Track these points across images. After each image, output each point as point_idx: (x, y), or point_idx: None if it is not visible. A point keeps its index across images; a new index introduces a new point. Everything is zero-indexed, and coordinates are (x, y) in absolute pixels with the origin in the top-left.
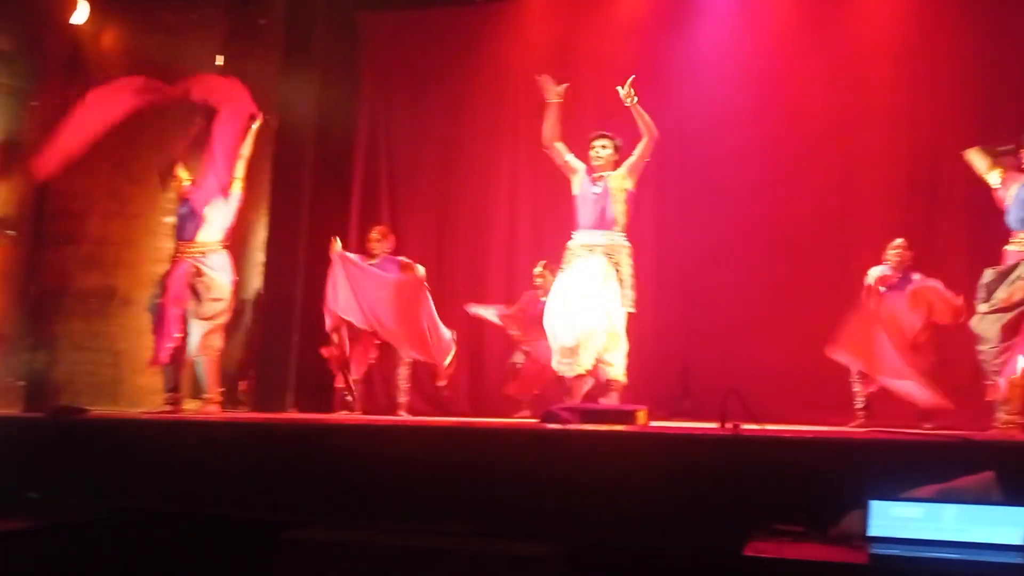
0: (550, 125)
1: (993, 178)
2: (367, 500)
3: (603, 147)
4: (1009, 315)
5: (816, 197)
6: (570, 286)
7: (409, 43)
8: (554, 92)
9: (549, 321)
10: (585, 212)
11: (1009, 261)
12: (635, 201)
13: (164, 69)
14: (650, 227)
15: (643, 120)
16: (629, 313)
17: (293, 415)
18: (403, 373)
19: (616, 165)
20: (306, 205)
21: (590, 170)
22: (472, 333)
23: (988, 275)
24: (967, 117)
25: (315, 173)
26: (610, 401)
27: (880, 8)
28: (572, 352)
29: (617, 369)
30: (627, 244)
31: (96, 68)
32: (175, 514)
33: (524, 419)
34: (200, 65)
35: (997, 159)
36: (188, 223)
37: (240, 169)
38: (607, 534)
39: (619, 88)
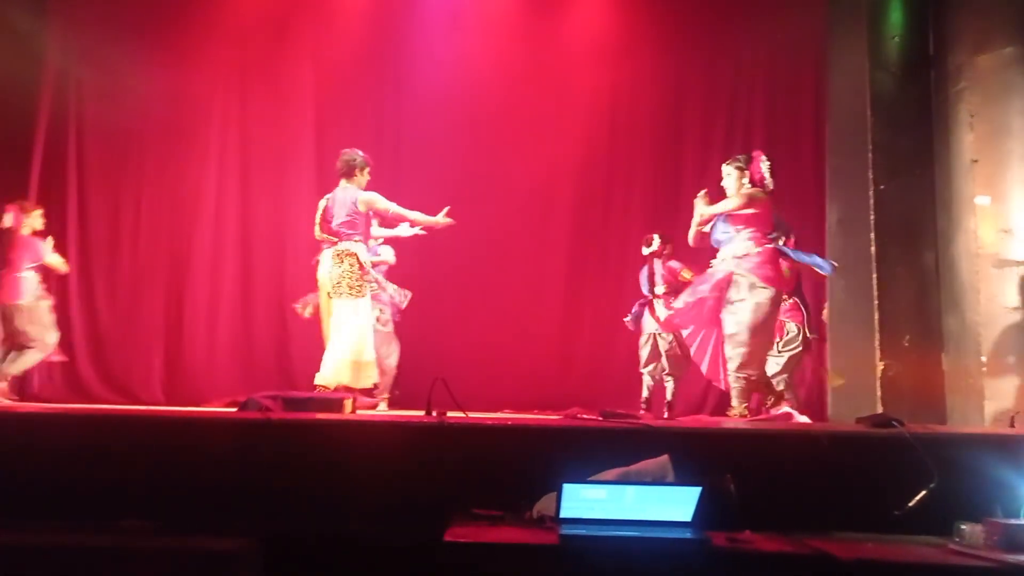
0: None
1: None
2: (37, 498)
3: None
4: None
5: (521, 197)
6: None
7: None
8: None
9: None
10: None
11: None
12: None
13: None
14: None
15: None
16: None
17: None
18: None
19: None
20: None
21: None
22: (170, 319)
23: None
24: (661, 127)
25: None
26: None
27: (587, 21)
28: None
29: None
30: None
31: None
32: None
33: (222, 408)
34: None
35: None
36: None
37: None
38: (310, 525)
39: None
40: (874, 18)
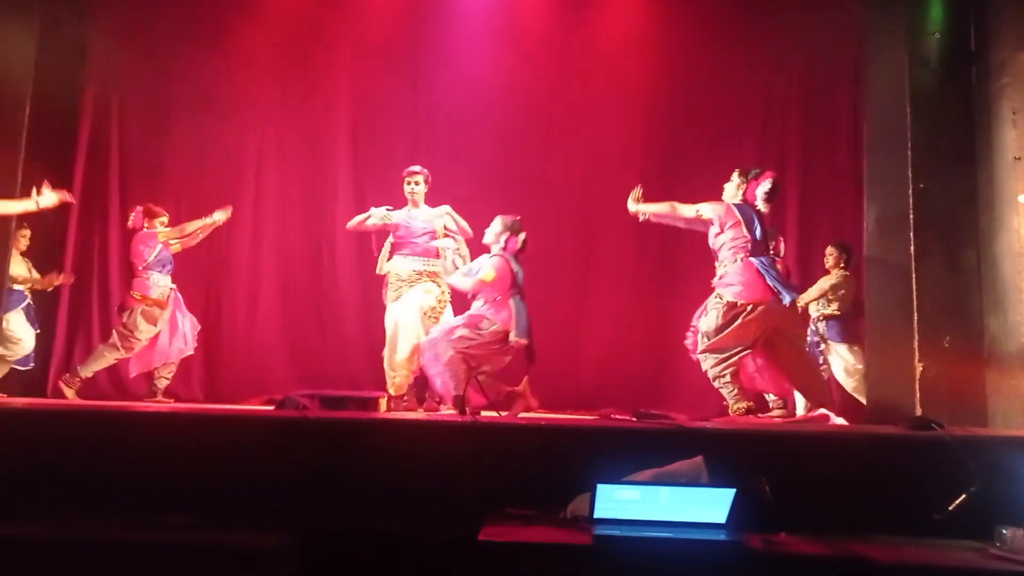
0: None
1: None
2: (81, 491)
3: (416, 183)
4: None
5: (558, 198)
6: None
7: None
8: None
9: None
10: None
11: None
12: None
13: None
14: None
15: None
16: None
17: None
18: None
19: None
20: (18, 176)
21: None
22: (208, 318)
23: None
24: (697, 125)
25: (32, 139)
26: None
27: (621, 20)
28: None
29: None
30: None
31: None
32: None
33: (259, 406)
34: None
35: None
36: None
37: None
38: (345, 522)
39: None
40: (914, 14)
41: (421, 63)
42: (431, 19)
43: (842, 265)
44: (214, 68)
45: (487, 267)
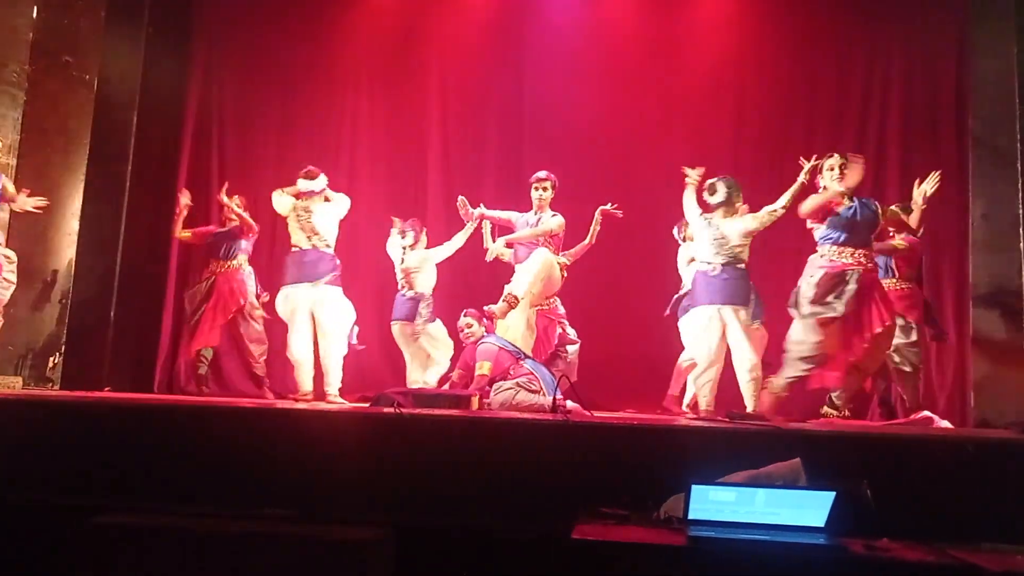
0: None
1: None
2: (187, 484)
3: (544, 189)
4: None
5: (643, 195)
6: None
7: (245, 4)
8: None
9: None
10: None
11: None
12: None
13: None
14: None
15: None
16: None
17: (107, 394)
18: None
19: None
20: (127, 174)
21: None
22: None
23: (818, 276)
24: (790, 117)
25: (140, 140)
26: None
27: (713, 10)
28: None
29: None
30: None
31: None
32: None
33: (355, 403)
34: (12, 17)
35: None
36: None
37: None
38: (439, 518)
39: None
40: None
41: (509, 59)
42: (520, 15)
43: None
44: (308, 67)
45: (480, 360)
